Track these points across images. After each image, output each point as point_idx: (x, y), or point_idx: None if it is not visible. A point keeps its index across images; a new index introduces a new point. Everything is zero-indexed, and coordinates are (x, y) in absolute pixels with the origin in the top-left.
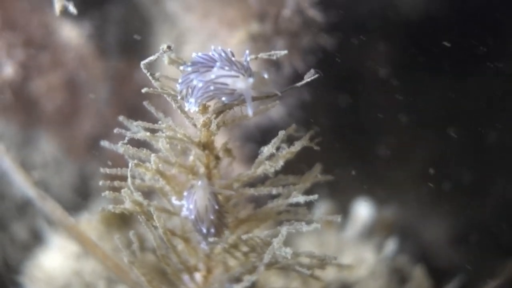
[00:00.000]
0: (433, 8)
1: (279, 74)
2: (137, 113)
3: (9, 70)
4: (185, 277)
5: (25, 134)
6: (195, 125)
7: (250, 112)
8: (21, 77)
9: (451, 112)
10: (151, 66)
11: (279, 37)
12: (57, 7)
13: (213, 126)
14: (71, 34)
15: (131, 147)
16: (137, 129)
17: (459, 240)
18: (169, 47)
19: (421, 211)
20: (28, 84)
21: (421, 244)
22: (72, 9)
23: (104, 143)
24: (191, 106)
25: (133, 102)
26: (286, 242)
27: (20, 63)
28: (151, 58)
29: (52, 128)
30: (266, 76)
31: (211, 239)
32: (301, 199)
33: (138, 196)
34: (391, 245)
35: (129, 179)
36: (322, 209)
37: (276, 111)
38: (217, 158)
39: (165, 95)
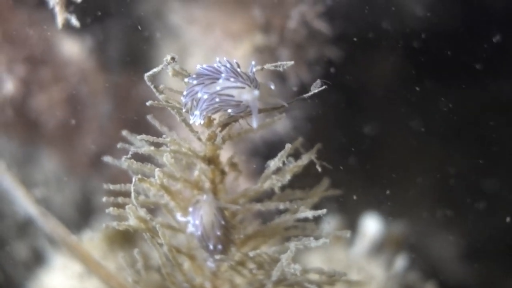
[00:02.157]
0: (438, 19)
1: (285, 85)
2: (139, 127)
3: (10, 86)
4: None
5: (26, 151)
6: (200, 139)
7: (255, 124)
8: (22, 93)
9: (459, 125)
10: (154, 79)
11: (284, 49)
12: (60, 20)
13: (219, 140)
14: (72, 48)
15: (134, 162)
16: (141, 144)
17: (470, 256)
18: (173, 59)
19: (431, 227)
20: (29, 100)
21: (431, 260)
22: (74, 22)
23: (107, 159)
24: (196, 119)
25: (136, 117)
26: (294, 258)
27: (21, 79)
28: (155, 70)
29: (54, 144)
30: (272, 87)
31: (217, 256)
32: (309, 214)
33: (142, 213)
34: (401, 261)
35: (132, 195)
36: (331, 224)
37: (281, 124)
38: (223, 172)
39: (169, 108)
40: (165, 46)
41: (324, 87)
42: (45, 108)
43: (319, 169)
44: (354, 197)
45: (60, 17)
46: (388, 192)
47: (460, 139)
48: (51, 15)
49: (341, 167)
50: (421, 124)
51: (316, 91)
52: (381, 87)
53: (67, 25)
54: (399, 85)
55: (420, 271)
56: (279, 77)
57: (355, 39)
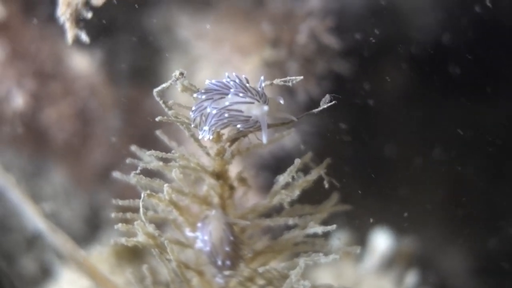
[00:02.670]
0: (449, 32)
1: (293, 100)
2: (148, 142)
3: (20, 101)
4: None
5: (35, 164)
6: (208, 154)
7: (264, 139)
8: (32, 107)
9: (470, 139)
10: (163, 94)
11: (293, 63)
12: (70, 36)
13: (228, 155)
14: (82, 62)
15: (143, 177)
16: (150, 159)
17: (482, 271)
18: (181, 74)
19: (441, 241)
20: (39, 114)
21: (442, 276)
22: (84, 38)
23: (116, 174)
24: (205, 134)
25: (144, 131)
26: (303, 274)
27: (31, 93)
28: (164, 85)
29: (63, 158)
30: (281, 101)
31: (226, 272)
32: (319, 229)
33: (151, 229)
34: (412, 277)
35: (141, 210)
36: (341, 240)
37: (290, 139)
38: (232, 187)
39: (178, 124)
40: (174, 60)
41: (333, 102)
42: (54, 122)
43: (326, 185)
44: (363, 213)
45: (70, 33)
46: (398, 207)
47: (472, 154)
48: (61, 30)
49: (350, 182)
50: (432, 138)
51: (325, 106)
52: (391, 101)
53: (77, 41)
54: (409, 100)
55: (431, 287)
56: (288, 91)
57: (363, 53)
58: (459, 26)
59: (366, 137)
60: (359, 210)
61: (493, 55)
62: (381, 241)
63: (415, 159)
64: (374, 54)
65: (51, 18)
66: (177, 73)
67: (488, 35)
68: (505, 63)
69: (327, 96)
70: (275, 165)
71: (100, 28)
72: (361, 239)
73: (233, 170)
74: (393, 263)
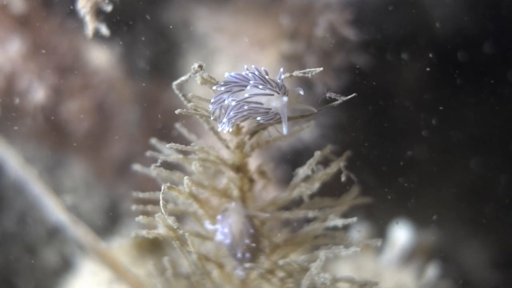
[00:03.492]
0: (467, 26)
1: (311, 93)
2: (167, 135)
3: (41, 94)
4: None
5: (56, 158)
6: (228, 147)
7: (285, 131)
8: (52, 100)
9: (488, 132)
10: (182, 87)
11: (312, 56)
12: (90, 29)
13: (247, 148)
14: (101, 56)
15: (163, 170)
16: (170, 152)
17: (503, 264)
18: (200, 67)
19: (462, 234)
20: (59, 107)
21: (463, 269)
22: (104, 30)
23: (137, 167)
24: (224, 127)
25: (163, 124)
26: (322, 267)
27: (51, 87)
28: (183, 78)
29: (82, 151)
30: (301, 92)
31: (246, 265)
32: (339, 222)
33: (171, 221)
34: (432, 270)
35: (161, 203)
36: (361, 232)
37: (309, 132)
38: (251, 180)
39: (197, 116)
40: (192, 54)
41: (353, 94)
42: (74, 116)
43: (343, 179)
44: (383, 205)
45: (91, 26)
46: (418, 200)
47: (493, 149)
48: (81, 24)
49: (370, 175)
50: (452, 131)
51: (345, 99)
52: (409, 94)
53: (97, 34)
54: (427, 93)
55: (453, 280)
56: (306, 84)
57: (383, 45)
58: (480, 18)
59: (386, 130)
60: (379, 203)
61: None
62: (401, 234)
63: (435, 153)
64: (394, 47)
65: (71, 12)
66: (196, 65)
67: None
68: None
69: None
70: (294, 158)
71: (119, 22)
72: (380, 232)
73: (253, 163)
74: (413, 256)
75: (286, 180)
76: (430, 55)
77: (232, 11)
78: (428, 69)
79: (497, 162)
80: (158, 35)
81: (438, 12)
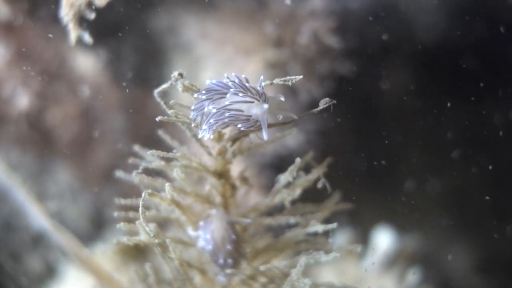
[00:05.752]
0: (451, 33)
1: (296, 100)
2: (152, 142)
3: (25, 101)
4: None
5: (41, 164)
6: (210, 154)
7: (265, 137)
8: (37, 107)
9: (472, 139)
10: (166, 95)
11: (296, 63)
12: (73, 36)
13: (229, 154)
14: (87, 63)
15: (145, 176)
16: (152, 158)
17: (484, 269)
18: (180, 75)
19: (444, 240)
20: (44, 114)
21: (445, 274)
22: (87, 38)
23: (120, 174)
24: (205, 134)
25: (149, 131)
26: (305, 272)
27: (36, 93)
28: (164, 86)
29: (68, 157)
30: (282, 99)
31: (228, 270)
32: (320, 228)
33: (152, 228)
34: (414, 275)
35: (140, 210)
36: (342, 238)
37: (294, 138)
38: (233, 187)
39: (179, 123)
40: (178, 61)
41: (333, 101)
42: (59, 122)
43: (319, 186)
44: (366, 211)
45: (73, 33)
46: (401, 205)
47: (477, 153)
48: (66, 31)
49: (353, 181)
50: (434, 137)
51: (324, 106)
52: (393, 101)
53: (80, 41)
54: (411, 99)
55: (434, 285)
56: (291, 92)
57: (366, 53)
58: (463, 25)
59: (369, 136)
60: (362, 209)
61: (500, 54)
62: (384, 240)
63: (418, 158)
64: (377, 54)
65: (56, 18)
66: (175, 73)
67: (495, 34)
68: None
69: (327, 99)
70: (279, 164)
71: (104, 29)
72: (363, 237)
73: (235, 169)
74: (395, 261)
75: (270, 186)
76: (414, 62)
77: (218, 18)
78: (411, 76)
79: (479, 168)
80: (144, 42)
81: (421, 20)
